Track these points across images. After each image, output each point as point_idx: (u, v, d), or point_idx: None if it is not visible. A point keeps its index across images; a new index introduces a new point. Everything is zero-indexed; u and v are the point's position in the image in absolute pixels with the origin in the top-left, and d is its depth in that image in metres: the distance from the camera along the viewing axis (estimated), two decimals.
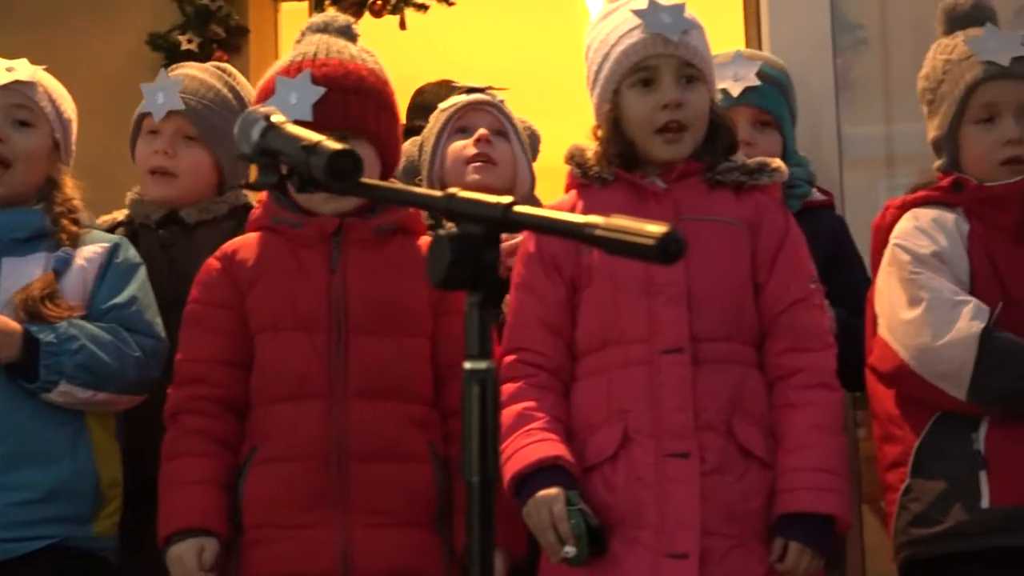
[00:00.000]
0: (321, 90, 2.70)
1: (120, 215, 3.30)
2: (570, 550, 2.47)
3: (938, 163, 2.84)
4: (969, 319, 2.57)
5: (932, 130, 2.85)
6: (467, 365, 1.64)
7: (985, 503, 2.57)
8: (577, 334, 2.66)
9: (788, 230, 2.69)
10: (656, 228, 1.49)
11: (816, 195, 3.26)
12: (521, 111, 3.45)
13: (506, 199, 1.66)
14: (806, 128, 3.37)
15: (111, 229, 3.21)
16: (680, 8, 2.69)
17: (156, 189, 3.22)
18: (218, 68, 3.41)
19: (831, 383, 2.62)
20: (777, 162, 2.76)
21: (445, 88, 3.62)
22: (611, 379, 2.59)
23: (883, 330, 2.68)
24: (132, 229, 3.24)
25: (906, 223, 2.73)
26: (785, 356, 2.62)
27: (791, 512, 2.52)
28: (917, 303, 2.63)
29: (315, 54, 2.77)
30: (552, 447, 2.54)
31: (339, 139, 2.59)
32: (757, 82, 3.21)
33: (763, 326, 2.65)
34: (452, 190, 1.70)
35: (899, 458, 2.68)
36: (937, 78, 2.83)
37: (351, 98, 2.73)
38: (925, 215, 2.73)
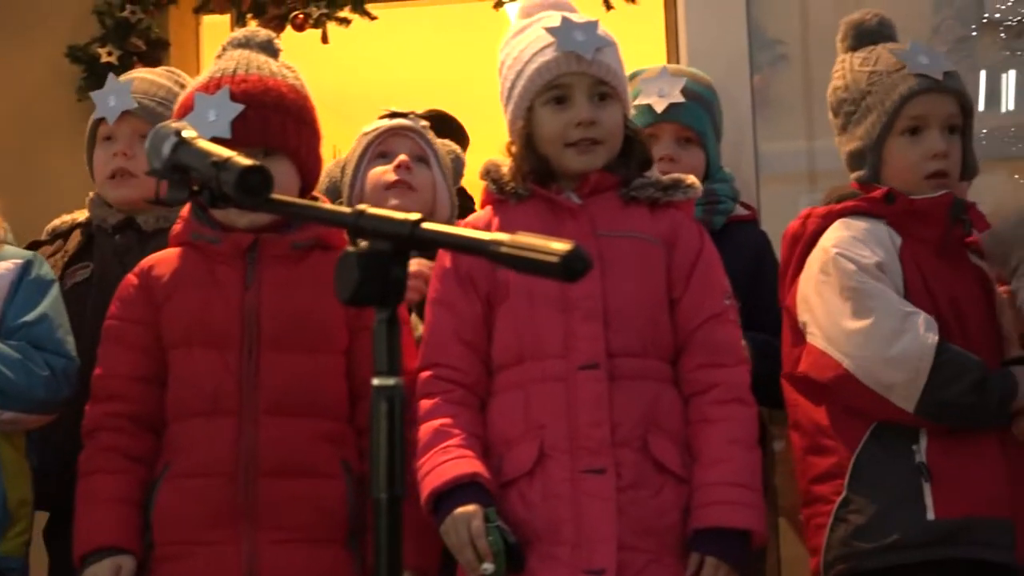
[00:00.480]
0: (240, 107, 2.70)
1: (81, 215, 3.30)
2: (488, 567, 2.48)
3: (858, 174, 2.85)
4: (924, 330, 2.60)
5: (852, 141, 2.85)
6: (375, 381, 1.65)
7: (930, 515, 2.60)
8: (493, 349, 2.67)
9: (703, 246, 2.72)
10: (560, 246, 1.51)
11: (740, 210, 3.29)
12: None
13: (414, 216, 1.66)
14: (724, 144, 3.40)
15: (70, 229, 3.23)
16: (593, 25, 2.71)
17: (116, 192, 3.23)
18: (168, 71, 3.43)
19: (745, 398, 2.65)
20: (691, 178, 2.78)
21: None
22: (528, 394, 2.61)
23: (819, 340, 2.69)
24: (89, 232, 3.24)
25: (840, 232, 2.74)
26: (700, 372, 2.64)
27: (706, 527, 2.54)
28: (865, 313, 2.64)
29: (235, 70, 2.77)
30: (469, 464, 2.55)
31: (260, 156, 2.66)
32: (681, 98, 3.24)
33: (678, 342, 2.67)
34: (361, 207, 1.71)
35: (831, 470, 2.70)
36: (861, 89, 2.84)
37: (271, 115, 2.73)
38: (857, 226, 2.75)
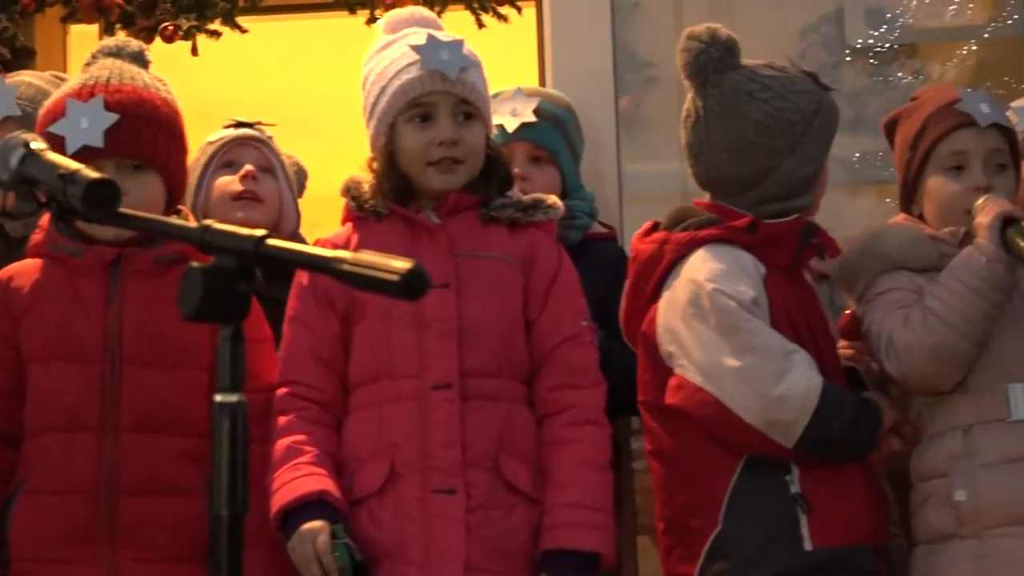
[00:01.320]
0: (114, 116, 2.69)
1: None
2: None
3: (787, 204, 2.83)
4: (807, 369, 2.62)
5: (806, 164, 2.85)
6: (217, 398, 1.68)
7: (808, 545, 2.62)
8: (350, 368, 2.69)
9: (561, 267, 2.75)
10: (401, 264, 1.53)
11: (598, 228, 3.32)
12: (313, 139, 3.46)
13: (259, 232, 1.68)
14: (588, 163, 3.44)
15: None
16: (459, 44, 2.74)
17: None
18: (56, 76, 3.39)
19: (599, 420, 2.68)
20: (552, 199, 2.81)
21: None
22: (381, 413, 2.63)
23: (692, 375, 2.67)
24: None
25: (712, 264, 2.72)
26: (555, 393, 2.68)
27: (556, 548, 2.57)
28: (747, 351, 2.63)
29: (108, 79, 2.76)
30: (319, 481, 2.56)
31: (131, 168, 2.65)
32: (533, 118, 3.28)
33: (534, 363, 2.70)
34: (207, 222, 1.72)
35: (702, 501, 2.70)
36: (813, 109, 2.86)
37: (144, 127, 2.72)
38: (725, 256, 2.73)
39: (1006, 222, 2.66)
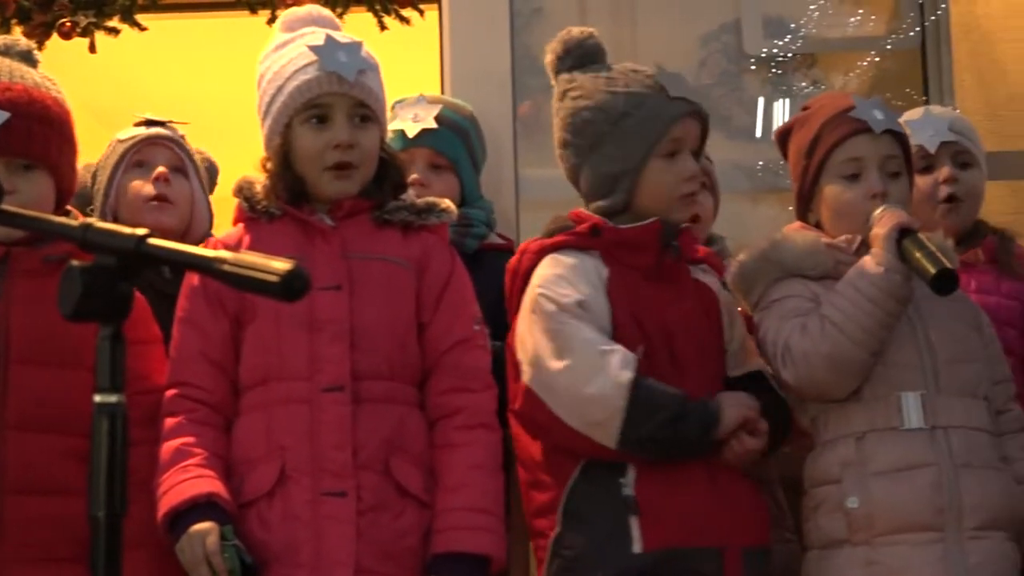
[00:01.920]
0: (5, 115, 2.67)
1: None
2: None
3: (598, 204, 2.83)
4: (619, 368, 2.61)
5: (608, 163, 2.82)
6: (96, 398, 1.67)
7: (637, 548, 2.61)
8: (240, 369, 2.68)
9: (454, 271, 2.76)
10: (281, 265, 1.54)
11: (495, 239, 3.35)
12: (214, 139, 3.44)
13: (140, 231, 1.67)
14: (485, 168, 3.46)
15: None
16: (357, 47, 2.74)
17: None
18: None
19: (491, 423, 2.70)
20: (446, 203, 2.82)
21: None
22: (271, 416, 2.63)
23: (529, 379, 2.68)
24: None
25: (546, 269, 2.74)
26: (447, 396, 2.69)
27: (446, 552, 2.59)
28: (565, 354, 2.64)
29: None
30: (208, 484, 2.56)
31: (21, 168, 2.64)
32: (434, 125, 3.29)
33: (426, 366, 2.71)
34: (89, 220, 1.72)
35: (548, 504, 2.71)
36: (620, 111, 2.80)
37: (35, 126, 2.71)
38: (565, 261, 2.74)
39: (903, 232, 2.69)
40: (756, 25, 4.04)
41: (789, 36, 4.14)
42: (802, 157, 2.91)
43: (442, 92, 3.81)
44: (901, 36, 4.20)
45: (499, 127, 3.70)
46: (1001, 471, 2.78)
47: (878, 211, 2.76)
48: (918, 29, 4.20)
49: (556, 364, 2.64)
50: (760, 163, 4.12)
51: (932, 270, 2.62)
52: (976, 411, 2.78)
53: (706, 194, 3.26)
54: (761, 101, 4.12)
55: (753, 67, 4.14)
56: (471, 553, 2.59)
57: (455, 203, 2.96)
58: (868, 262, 2.71)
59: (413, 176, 3.17)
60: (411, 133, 3.27)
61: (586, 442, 2.63)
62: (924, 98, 4.11)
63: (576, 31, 2.91)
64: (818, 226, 2.91)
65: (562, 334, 2.65)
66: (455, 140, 3.33)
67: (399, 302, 2.70)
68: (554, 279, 2.71)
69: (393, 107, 3.32)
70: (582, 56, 2.89)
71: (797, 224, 2.95)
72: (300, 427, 2.60)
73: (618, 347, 2.65)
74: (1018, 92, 4.36)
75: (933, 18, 4.16)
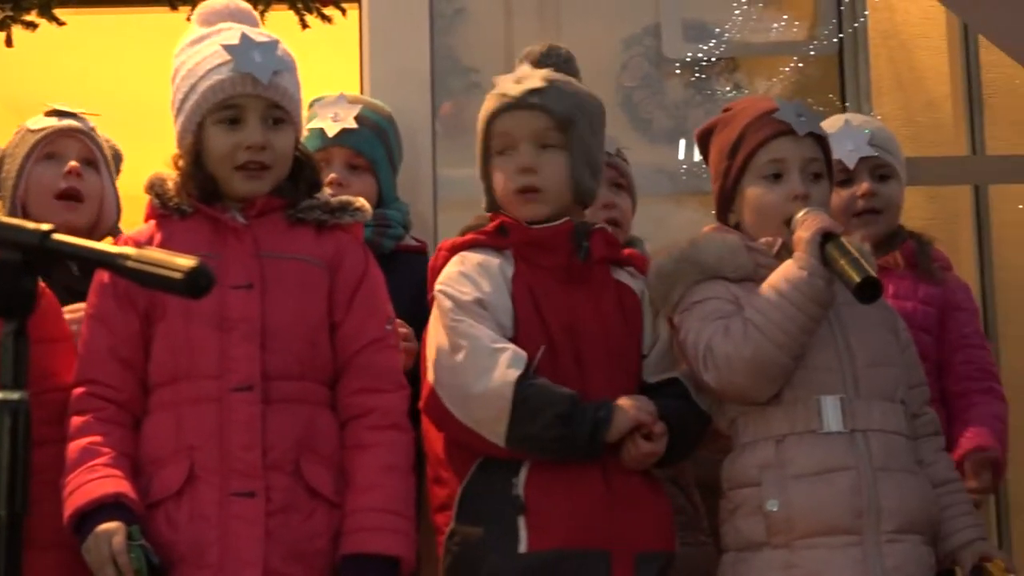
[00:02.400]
0: None
1: None
2: None
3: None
4: (506, 367, 2.62)
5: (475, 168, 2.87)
6: None
7: (522, 548, 2.62)
8: (150, 368, 2.66)
9: (367, 270, 2.76)
10: (185, 261, 1.52)
11: (411, 241, 3.35)
12: (132, 136, 3.41)
13: (45, 226, 1.65)
14: (405, 168, 3.46)
15: None
16: (273, 46, 2.72)
17: None
18: None
19: (402, 424, 2.70)
20: (360, 201, 2.81)
21: None
22: (180, 415, 2.61)
23: (430, 376, 2.71)
24: None
25: (452, 267, 2.77)
26: (358, 396, 2.69)
27: (356, 553, 2.59)
28: (458, 351, 2.66)
29: None
30: (115, 484, 2.54)
31: None
32: (354, 125, 3.28)
33: (337, 365, 2.70)
34: None
35: (447, 501, 2.73)
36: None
37: None
38: (471, 260, 2.77)
39: (826, 237, 2.70)
40: (676, 29, 4.06)
41: (711, 41, 4.15)
42: (724, 157, 2.91)
43: (361, 91, 3.80)
44: (821, 42, 4.22)
45: (418, 127, 3.71)
46: (917, 475, 2.80)
47: (801, 213, 2.77)
48: (840, 35, 4.22)
49: (450, 361, 2.66)
50: (685, 167, 4.13)
51: (856, 278, 2.63)
52: (894, 415, 2.79)
53: (623, 195, 3.27)
54: (683, 105, 4.12)
55: (677, 71, 4.15)
56: (380, 554, 2.58)
57: (372, 204, 2.97)
58: (791, 266, 2.72)
59: (331, 176, 3.18)
60: (331, 132, 3.26)
61: (477, 439, 2.65)
62: (844, 104, 4.13)
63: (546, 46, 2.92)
64: (738, 227, 2.91)
65: (456, 331, 2.67)
66: (374, 140, 3.33)
67: (311, 301, 2.69)
68: (456, 277, 2.73)
69: (312, 105, 3.32)
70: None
71: (716, 225, 2.96)
72: (209, 427, 2.58)
73: (510, 346, 2.66)
74: (935, 99, 4.42)
75: (855, 27, 4.19)
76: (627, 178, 3.32)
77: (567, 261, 2.76)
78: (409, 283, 2.94)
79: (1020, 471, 3.95)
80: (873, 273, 2.65)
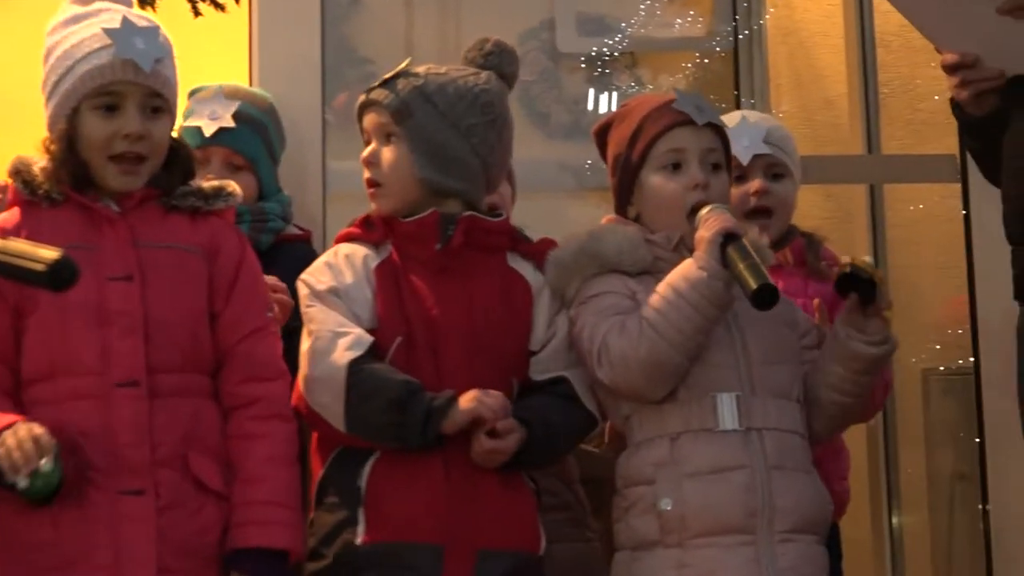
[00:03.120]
0: None
1: None
2: (23, 481, 2.41)
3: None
4: (344, 349, 2.64)
5: None
6: None
7: (359, 539, 2.63)
8: (23, 363, 2.59)
9: (244, 257, 2.72)
10: (48, 253, 1.47)
11: (293, 230, 3.33)
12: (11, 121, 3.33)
13: None
14: (291, 160, 3.44)
15: None
16: (155, 32, 2.67)
17: None
18: None
19: (285, 413, 2.67)
20: (232, 185, 2.78)
21: None
22: (61, 411, 2.54)
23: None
24: None
25: (321, 259, 2.81)
26: (241, 386, 2.65)
27: (243, 547, 2.56)
28: (308, 337, 2.70)
29: None
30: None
31: None
32: (232, 123, 3.25)
33: (219, 355, 2.67)
34: None
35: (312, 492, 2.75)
36: None
37: None
38: (340, 251, 2.80)
39: (728, 237, 2.68)
40: (570, 23, 4.07)
41: (608, 36, 4.14)
42: (623, 149, 2.90)
43: (250, 81, 3.75)
44: (720, 38, 4.23)
45: (307, 118, 3.66)
46: (812, 474, 2.79)
47: (705, 211, 2.75)
48: (746, 32, 4.23)
49: (303, 348, 2.70)
50: (588, 162, 4.12)
51: (753, 284, 2.61)
52: (789, 413, 2.79)
53: (505, 184, 3.23)
54: (582, 100, 4.12)
55: (583, 65, 4.14)
56: (268, 548, 2.56)
57: (252, 201, 2.99)
58: (690, 266, 2.70)
59: (208, 177, 3.06)
60: (208, 132, 3.23)
61: (326, 426, 2.68)
62: (739, 102, 4.14)
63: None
64: (638, 220, 2.90)
65: (307, 317, 2.71)
66: (254, 139, 3.31)
67: (192, 291, 2.65)
68: (320, 267, 2.77)
69: (190, 96, 3.29)
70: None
71: (613, 217, 2.94)
72: (94, 424, 2.53)
73: (355, 331, 2.67)
74: (833, 97, 4.46)
75: (756, 24, 4.20)
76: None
77: (436, 252, 2.76)
78: (295, 271, 2.90)
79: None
80: (770, 280, 2.63)
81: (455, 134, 2.82)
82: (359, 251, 2.77)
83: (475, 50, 2.91)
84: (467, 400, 2.63)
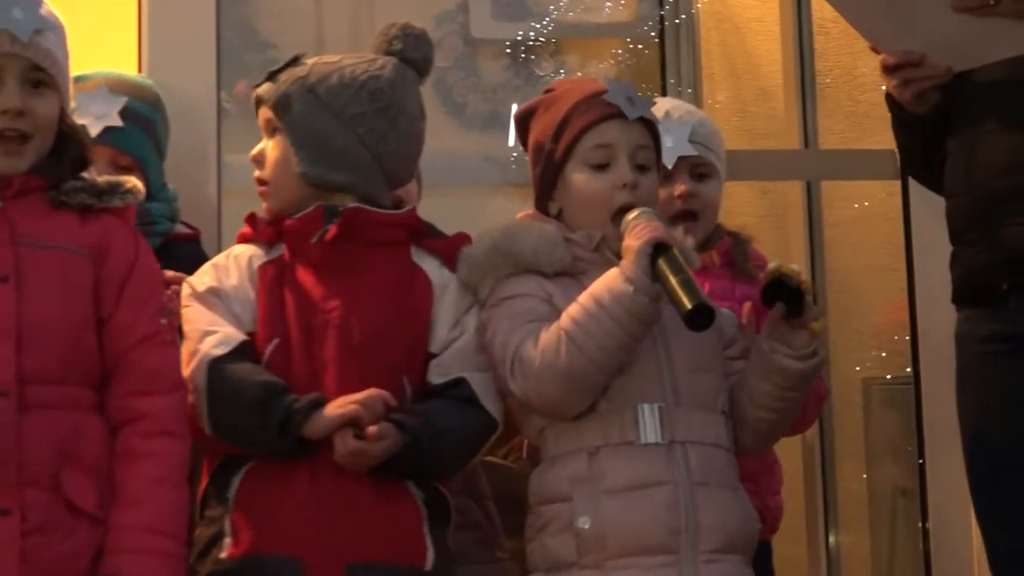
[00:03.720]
0: None
1: None
2: None
3: None
4: (210, 347, 2.64)
5: None
6: None
7: (224, 553, 2.62)
8: None
9: (138, 258, 2.63)
10: None
11: (181, 229, 3.28)
12: None
13: None
14: (184, 153, 3.36)
15: None
16: (36, 3, 2.57)
17: None
18: None
19: (175, 430, 2.58)
20: (132, 181, 2.70)
21: None
22: None
23: None
24: None
25: (212, 260, 2.80)
26: (127, 400, 2.56)
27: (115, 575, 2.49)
28: (183, 337, 2.69)
29: None
30: None
31: None
32: (119, 122, 3.18)
33: (106, 365, 2.58)
34: None
35: None
36: None
37: None
38: (231, 251, 2.81)
39: (657, 248, 2.61)
40: (484, 7, 4.01)
41: (525, 20, 4.07)
42: (547, 140, 2.83)
43: (139, 67, 3.65)
44: (648, 24, 4.16)
45: (201, 107, 3.57)
46: (737, 491, 2.75)
47: (632, 215, 2.69)
48: (674, 18, 4.15)
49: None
50: (514, 155, 4.05)
51: (688, 304, 2.54)
52: (714, 425, 2.74)
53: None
54: (500, 88, 4.05)
55: (507, 51, 4.06)
56: None
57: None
58: (616, 277, 2.63)
59: None
60: (93, 132, 3.12)
61: (199, 431, 2.64)
62: (674, 89, 4.07)
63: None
64: (559, 216, 2.84)
65: (184, 318, 2.71)
66: (141, 137, 3.24)
67: (74, 296, 2.55)
68: (207, 268, 2.79)
69: (76, 83, 3.14)
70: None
71: (530, 213, 2.88)
72: None
73: (224, 329, 2.67)
74: (769, 87, 4.41)
75: (688, 11, 4.12)
76: None
77: (314, 247, 2.72)
78: (185, 271, 2.85)
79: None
80: (707, 299, 2.57)
81: (338, 124, 2.78)
82: (247, 251, 2.77)
83: (380, 36, 2.87)
84: (336, 404, 2.59)
